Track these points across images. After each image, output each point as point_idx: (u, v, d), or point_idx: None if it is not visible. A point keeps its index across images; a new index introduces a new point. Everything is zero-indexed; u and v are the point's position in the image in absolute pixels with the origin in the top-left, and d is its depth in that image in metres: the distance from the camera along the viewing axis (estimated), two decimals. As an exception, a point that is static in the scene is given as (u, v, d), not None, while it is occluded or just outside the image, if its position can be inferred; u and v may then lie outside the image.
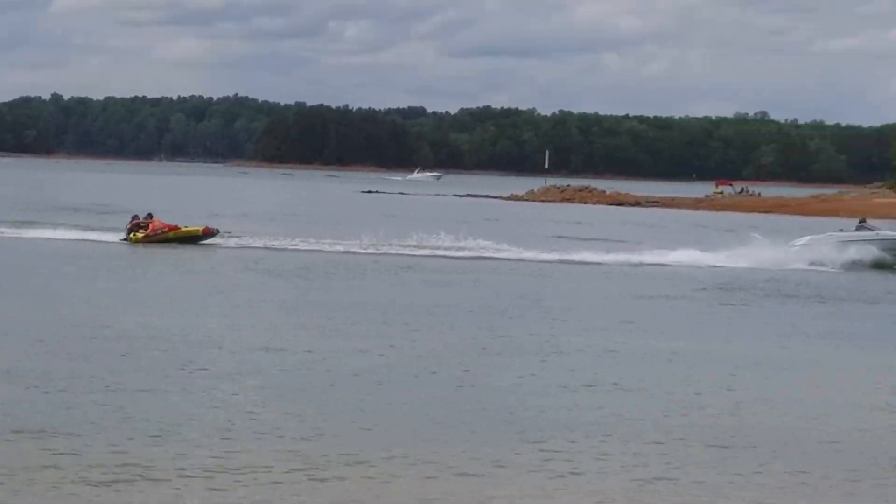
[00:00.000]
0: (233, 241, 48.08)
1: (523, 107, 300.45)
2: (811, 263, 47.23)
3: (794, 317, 31.89)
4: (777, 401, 19.71)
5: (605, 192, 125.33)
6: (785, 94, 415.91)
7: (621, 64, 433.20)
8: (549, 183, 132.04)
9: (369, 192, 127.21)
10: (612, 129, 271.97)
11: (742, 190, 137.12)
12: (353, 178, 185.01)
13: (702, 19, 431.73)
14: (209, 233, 48.31)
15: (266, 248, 47.27)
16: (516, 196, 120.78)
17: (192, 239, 47.56)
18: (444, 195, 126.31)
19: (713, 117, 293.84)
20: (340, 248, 47.07)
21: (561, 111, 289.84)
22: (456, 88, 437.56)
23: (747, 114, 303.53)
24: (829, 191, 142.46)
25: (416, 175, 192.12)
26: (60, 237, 48.85)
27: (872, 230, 51.03)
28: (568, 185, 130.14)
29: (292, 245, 48.25)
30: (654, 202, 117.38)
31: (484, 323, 27.41)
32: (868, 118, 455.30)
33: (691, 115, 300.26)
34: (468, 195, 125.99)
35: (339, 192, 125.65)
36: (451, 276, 39.37)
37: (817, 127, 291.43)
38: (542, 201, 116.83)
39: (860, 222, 52.21)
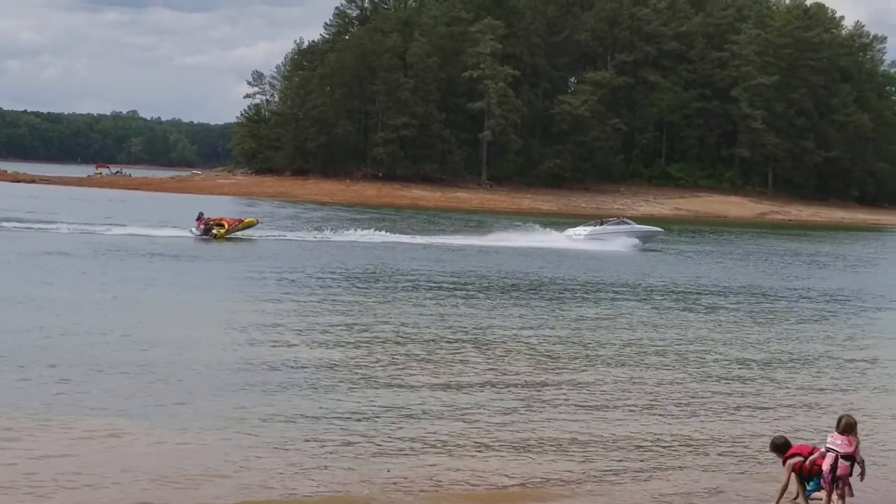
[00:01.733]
0: None
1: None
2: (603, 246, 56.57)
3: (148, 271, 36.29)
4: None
5: (6, 171, 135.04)
6: (152, 97, 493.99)
7: (22, 69, 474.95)
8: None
9: None
10: (13, 122, 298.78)
11: (118, 172, 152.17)
12: None
13: (86, 36, 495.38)
14: (258, 222, 51.88)
15: None
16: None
17: (250, 227, 50.97)
18: None
19: (95, 114, 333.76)
20: None
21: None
22: None
23: (122, 112, 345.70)
24: (183, 173, 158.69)
25: None
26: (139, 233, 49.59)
27: (628, 224, 61.72)
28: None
29: None
30: (47, 180, 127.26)
31: None
32: (215, 117, 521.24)
33: (77, 112, 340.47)
34: None
35: None
36: None
37: (176, 123, 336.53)
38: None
39: (619, 219, 63.59)
